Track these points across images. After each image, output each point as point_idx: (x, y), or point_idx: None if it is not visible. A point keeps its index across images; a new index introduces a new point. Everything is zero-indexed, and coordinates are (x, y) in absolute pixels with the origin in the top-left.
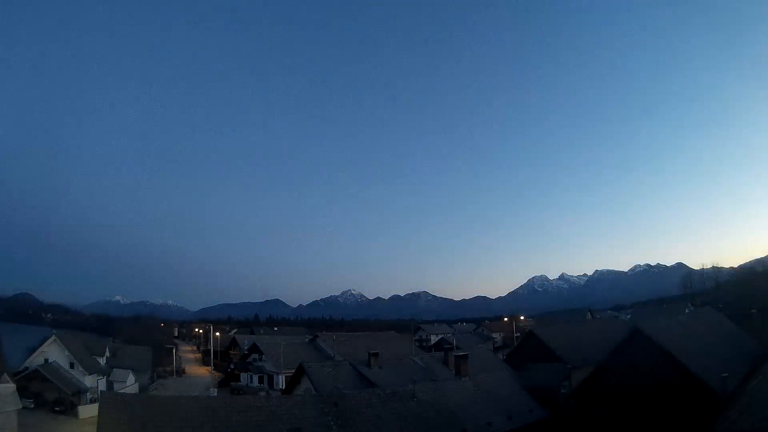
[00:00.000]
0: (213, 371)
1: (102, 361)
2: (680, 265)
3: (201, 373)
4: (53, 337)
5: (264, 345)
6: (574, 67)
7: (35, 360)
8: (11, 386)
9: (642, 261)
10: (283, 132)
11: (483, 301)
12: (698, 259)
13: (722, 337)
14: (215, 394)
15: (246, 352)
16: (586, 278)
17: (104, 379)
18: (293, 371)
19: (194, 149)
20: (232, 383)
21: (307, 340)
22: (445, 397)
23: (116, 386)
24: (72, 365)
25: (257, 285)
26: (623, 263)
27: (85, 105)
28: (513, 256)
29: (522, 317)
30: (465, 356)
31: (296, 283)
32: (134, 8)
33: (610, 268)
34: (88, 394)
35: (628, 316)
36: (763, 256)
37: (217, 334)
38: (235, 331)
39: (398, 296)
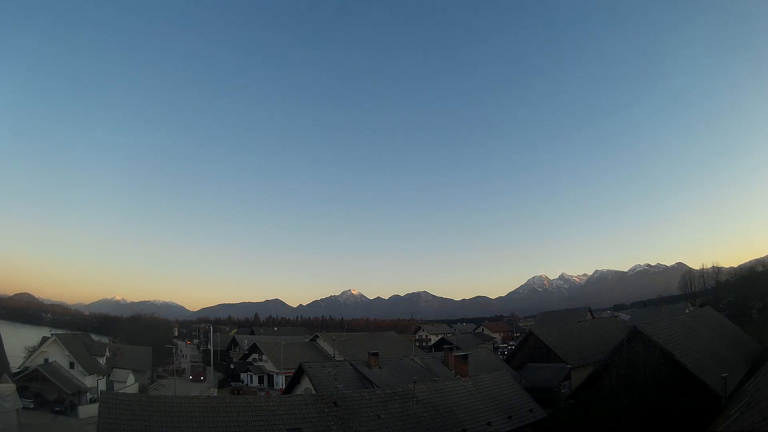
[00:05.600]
0: (213, 371)
1: (102, 361)
2: (680, 265)
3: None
4: (53, 337)
5: (264, 345)
6: (574, 66)
7: (35, 360)
8: (11, 386)
9: (642, 261)
10: (282, 131)
11: (483, 301)
12: (698, 259)
13: (722, 337)
14: (215, 394)
15: (246, 352)
16: (586, 278)
17: (104, 379)
18: (293, 371)
19: (194, 147)
20: (232, 383)
21: (307, 340)
22: (445, 397)
23: (116, 386)
24: (72, 365)
25: (257, 285)
26: (623, 263)
27: (85, 103)
28: (513, 256)
29: (521, 317)
30: (465, 356)
31: (296, 283)
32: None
33: (610, 268)
34: (88, 394)
35: (628, 316)
36: (763, 256)
37: (217, 333)
38: (235, 331)
39: (398, 296)
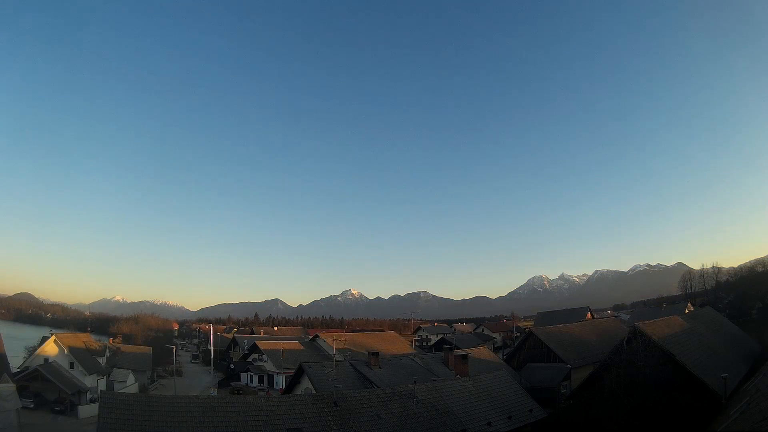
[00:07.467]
0: (213, 371)
1: (102, 361)
2: (680, 265)
3: (201, 372)
4: (53, 337)
5: (264, 345)
6: (574, 66)
7: (35, 360)
8: (11, 386)
9: (642, 261)
10: (281, 131)
11: (483, 301)
12: (698, 259)
13: (722, 337)
14: (215, 394)
15: (246, 352)
16: (586, 278)
17: (104, 379)
18: (293, 371)
19: (194, 148)
20: (232, 383)
21: (307, 340)
22: (445, 397)
23: (116, 386)
24: (72, 365)
25: (257, 285)
26: (623, 263)
27: (86, 104)
28: (513, 256)
29: (521, 317)
30: (465, 356)
31: (296, 283)
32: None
33: (610, 268)
34: (88, 394)
35: (628, 316)
36: (763, 256)
37: (217, 333)
38: (234, 331)
39: (398, 296)
